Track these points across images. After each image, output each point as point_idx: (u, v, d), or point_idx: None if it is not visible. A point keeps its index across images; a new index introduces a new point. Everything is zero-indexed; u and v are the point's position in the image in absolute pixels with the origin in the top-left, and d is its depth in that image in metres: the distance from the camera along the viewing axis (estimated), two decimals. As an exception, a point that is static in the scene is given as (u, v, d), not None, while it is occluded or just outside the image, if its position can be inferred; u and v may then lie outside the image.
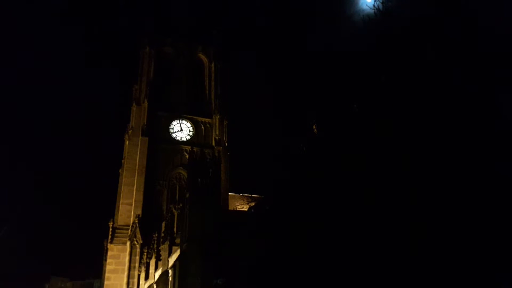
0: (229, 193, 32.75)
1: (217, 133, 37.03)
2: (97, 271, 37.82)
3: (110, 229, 31.54)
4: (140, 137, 34.39)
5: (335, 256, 12.71)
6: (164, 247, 23.71)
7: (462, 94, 11.52)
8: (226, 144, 37.07)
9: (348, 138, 14.39)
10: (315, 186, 14.17)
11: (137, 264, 29.68)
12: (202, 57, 40.99)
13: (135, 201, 32.16)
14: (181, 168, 34.26)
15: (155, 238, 26.30)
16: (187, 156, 32.46)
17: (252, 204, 20.29)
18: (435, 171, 11.05)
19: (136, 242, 30.22)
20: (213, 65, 40.49)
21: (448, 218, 10.40)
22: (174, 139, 35.89)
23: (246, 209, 20.91)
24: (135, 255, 30.01)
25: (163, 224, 25.67)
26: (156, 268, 24.84)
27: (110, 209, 34.50)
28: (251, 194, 22.66)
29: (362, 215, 12.40)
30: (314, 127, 17.03)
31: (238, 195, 28.71)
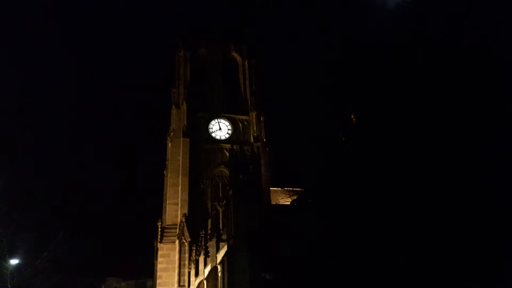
0: (271, 188, 32.98)
1: (255, 129, 37.34)
2: (149, 271, 39.34)
3: (159, 229, 32.74)
4: (181, 139, 35.37)
5: (383, 248, 12.59)
6: (211, 244, 24.32)
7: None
8: (265, 139, 37.33)
9: (387, 125, 14.16)
10: (355, 176, 14.07)
11: (186, 262, 30.59)
12: (235, 55, 41.37)
13: (181, 200, 33.16)
14: (222, 166, 34.89)
15: (202, 235, 27.04)
16: (227, 154, 33.02)
17: (295, 197, 20.39)
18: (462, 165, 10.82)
19: (184, 241, 31.18)
20: (246, 62, 40.79)
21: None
22: (214, 139, 36.60)
23: (289, 203, 21.03)
24: (184, 253, 30.96)
25: (209, 222, 26.32)
26: (205, 265, 25.54)
27: (158, 210, 35.92)
28: (292, 187, 22.74)
29: (407, 204, 12.21)
30: (352, 116, 16.85)
31: (280, 189, 28.87)
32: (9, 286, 22.34)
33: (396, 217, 12.42)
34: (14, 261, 22.68)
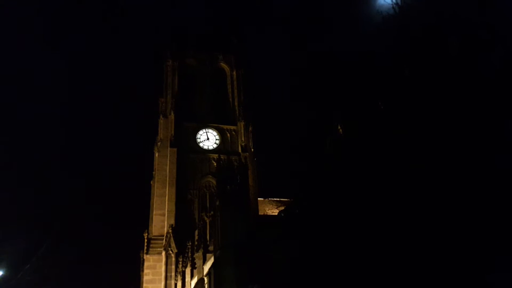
0: (259, 198, 32.93)
1: (243, 139, 37.37)
2: (135, 282, 38.70)
3: (146, 240, 32.32)
4: (168, 149, 35.18)
5: (368, 257, 12.64)
6: (198, 255, 24.10)
7: (485, 88, 11.31)
8: (252, 150, 37.34)
9: (374, 136, 14.31)
10: (342, 186, 14.15)
11: (173, 273, 30.21)
12: (224, 65, 41.55)
13: (167, 211, 32.85)
14: (210, 176, 34.75)
15: (189, 246, 26.76)
16: (215, 164, 32.96)
17: (282, 208, 20.36)
18: (462, 167, 10.87)
19: (171, 252, 30.81)
20: (234, 73, 40.97)
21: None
22: (202, 148, 36.49)
23: (276, 213, 21.00)
24: (171, 264, 30.58)
25: (196, 232, 26.11)
26: (192, 276, 25.25)
27: (145, 220, 35.47)
28: (280, 198, 22.75)
29: (391, 214, 12.30)
30: (339, 127, 16.99)
31: (267, 199, 28.90)
32: None
33: (385, 228, 12.49)
34: None
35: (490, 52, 11.70)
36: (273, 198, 24.96)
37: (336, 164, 15.59)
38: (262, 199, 32.20)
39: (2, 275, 22.68)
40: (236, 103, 39.42)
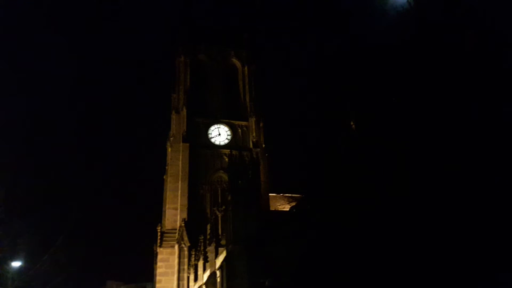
0: (270, 194, 33.14)
1: (254, 135, 37.59)
2: (149, 274, 39.42)
3: (159, 234, 32.89)
4: (181, 144, 35.59)
5: (380, 252, 12.75)
6: (210, 249, 24.48)
7: (503, 84, 11.27)
8: (264, 145, 37.54)
9: (388, 131, 14.28)
10: (354, 182, 14.25)
11: (186, 267, 30.71)
12: (235, 61, 41.67)
13: (180, 205, 33.33)
14: (221, 171, 35.08)
15: (202, 240, 27.19)
16: (226, 159, 33.23)
17: (293, 203, 20.57)
18: (480, 162, 10.88)
19: (183, 245, 31.31)
20: (246, 68, 41.08)
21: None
22: (213, 144, 36.83)
23: (288, 209, 21.22)
24: (184, 258, 31.08)
25: (208, 227, 26.50)
26: (204, 270, 25.68)
27: (158, 214, 36.10)
28: (291, 194, 22.93)
29: (406, 211, 12.37)
30: (352, 123, 17.03)
31: (279, 195, 29.09)
32: None
33: (398, 223, 12.52)
34: (16, 264, 22.96)
35: (509, 48, 11.63)
36: (284, 193, 25.14)
37: (349, 160, 15.66)
38: (274, 194, 32.43)
39: (20, 266, 23.41)
40: (247, 99, 39.59)
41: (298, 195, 20.96)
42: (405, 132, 13.34)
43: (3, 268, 22.60)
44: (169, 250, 32.06)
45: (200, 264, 26.73)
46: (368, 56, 15.72)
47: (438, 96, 12.57)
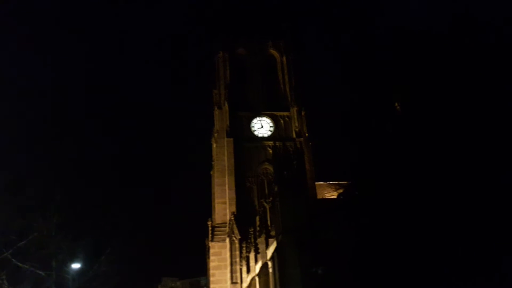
0: (316, 182, 32.80)
1: (296, 125, 37.25)
2: (203, 269, 40.47)
3: (210, 228, 33.63)
4: (225, 139, 36.03)
5: (433, 240, 12.23)
6: (260, 240, 24.68)
7: None
8: (307, 134, 37.11)
9: (435, 112, 13.70)
10: (402, 166, 13.75)
11: (238, 259, 31.15)
12: (273, 52, 41.35)
13: (228, 199, 33.83)
14: (266, 163, 35.13)
15: (252, 232, 27.47)
16: (270, 151, 33.24)
17: (341, 191, 20.20)
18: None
19: (234, 238, 31.78)
20: (284, 58, 40.66)
21: None
22: (257, 137, 36.92)
23: (335, 197, 20.87)
24: (235, 250, 31.53)
25: (257, 218, 26.74)
26: (256, 261, 25.95)
27: (207, 209, 36.91)
28: (338, 181, 22.52)
29: (460, 193, 11.78)
30: (396, 105, 16.46)
31: (325, 183, 28.64)
32: None
33: (449, 209, 11.96)
34: (75, 266, 24.33)
35: None
36: (330, 181, 24.72)
37: (397, 143, 15.13)
38: (320, 183, 32.04)
39: (80, 267, 24.79)
40: (287, 89, 39.25)
41: (345, 182, 20.53)
42: (452, 115, 12.72)
43: (63, 270, 24.06)
44: (220, 243, 32.68)
45: (252, 256, 27.03)
46: (410, 41, 15.24)
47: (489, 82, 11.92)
